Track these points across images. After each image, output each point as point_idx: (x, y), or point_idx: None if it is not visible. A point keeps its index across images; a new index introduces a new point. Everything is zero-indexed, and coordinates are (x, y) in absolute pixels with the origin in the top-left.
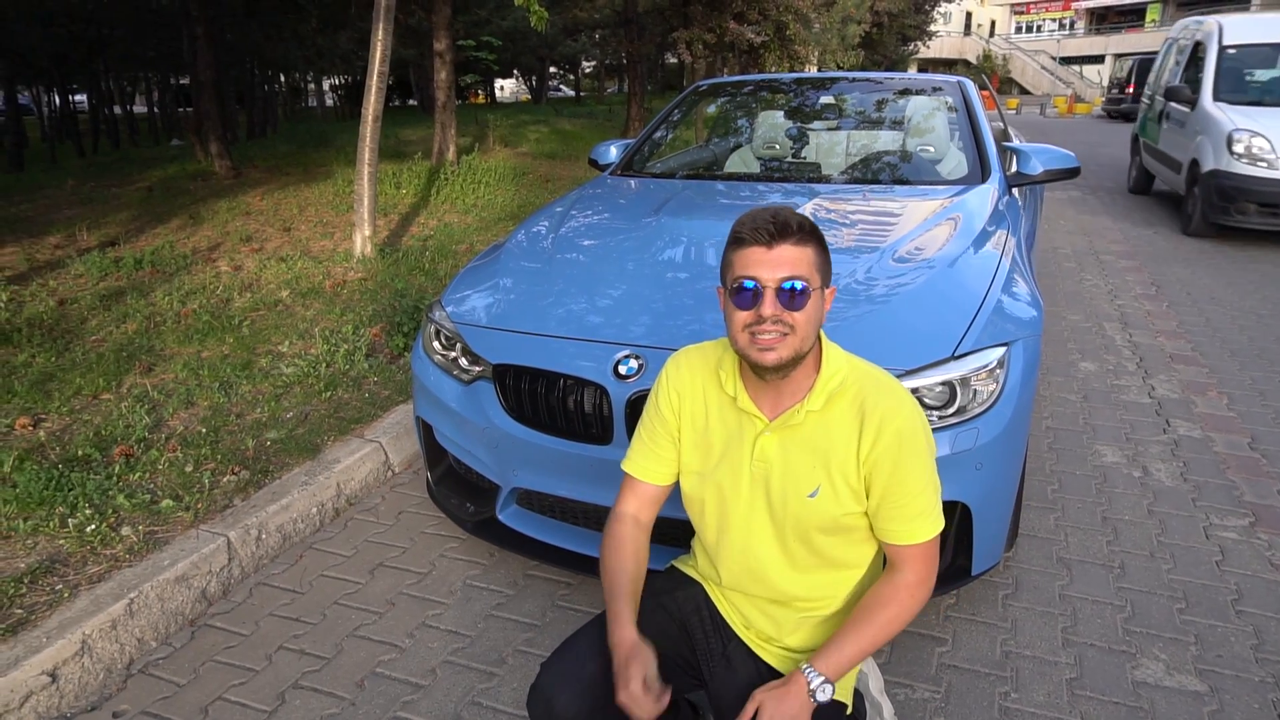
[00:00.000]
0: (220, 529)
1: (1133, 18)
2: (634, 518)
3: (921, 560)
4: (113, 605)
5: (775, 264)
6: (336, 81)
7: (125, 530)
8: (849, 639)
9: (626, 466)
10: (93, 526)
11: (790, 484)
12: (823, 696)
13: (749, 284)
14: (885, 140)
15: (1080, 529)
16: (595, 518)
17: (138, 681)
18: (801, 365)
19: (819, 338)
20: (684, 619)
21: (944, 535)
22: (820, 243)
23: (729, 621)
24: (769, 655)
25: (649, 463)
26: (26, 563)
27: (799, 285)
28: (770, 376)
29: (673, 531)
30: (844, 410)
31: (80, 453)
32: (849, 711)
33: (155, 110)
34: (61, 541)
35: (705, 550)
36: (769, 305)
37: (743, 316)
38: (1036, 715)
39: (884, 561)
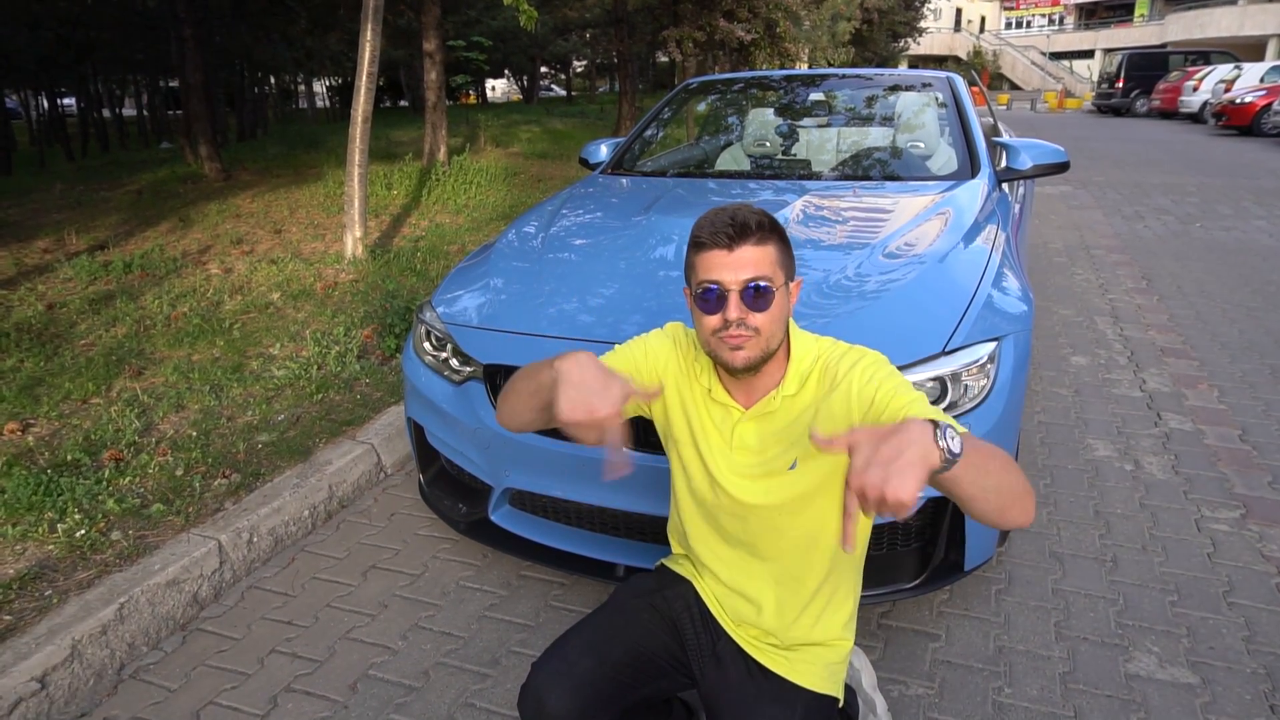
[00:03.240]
0: (211, 532)
1: (1121, 12)
2: None
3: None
4: (102, 610)
5: (737, 266)
6: (329, 83)
7: (115, 535)
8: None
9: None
10: (82, 531)
11: (771, 463)
12: (953, 445)
13: (712, 288)
14: (875, 136)
15: (1072, 523)
16: (588, 518)
17: (128, 687)
18: (773, 359)
19: (788, 329)
20: (674, 617)
21: (936, 531)
22: (781, 238)
23: (718, 618)
24: (758, 652)
25: (624, 359)
26: (15, 568)
27: (762, 285)
28: (741, 375)
29: (662, 529)
30: (815, 384)
31: (69, 457)
32: (841, 705)
33: (144, 113)
34: (50, 547)
35: (682, 529)
36: (734, 309)
37: (710, 321)
38: (1030, 710)
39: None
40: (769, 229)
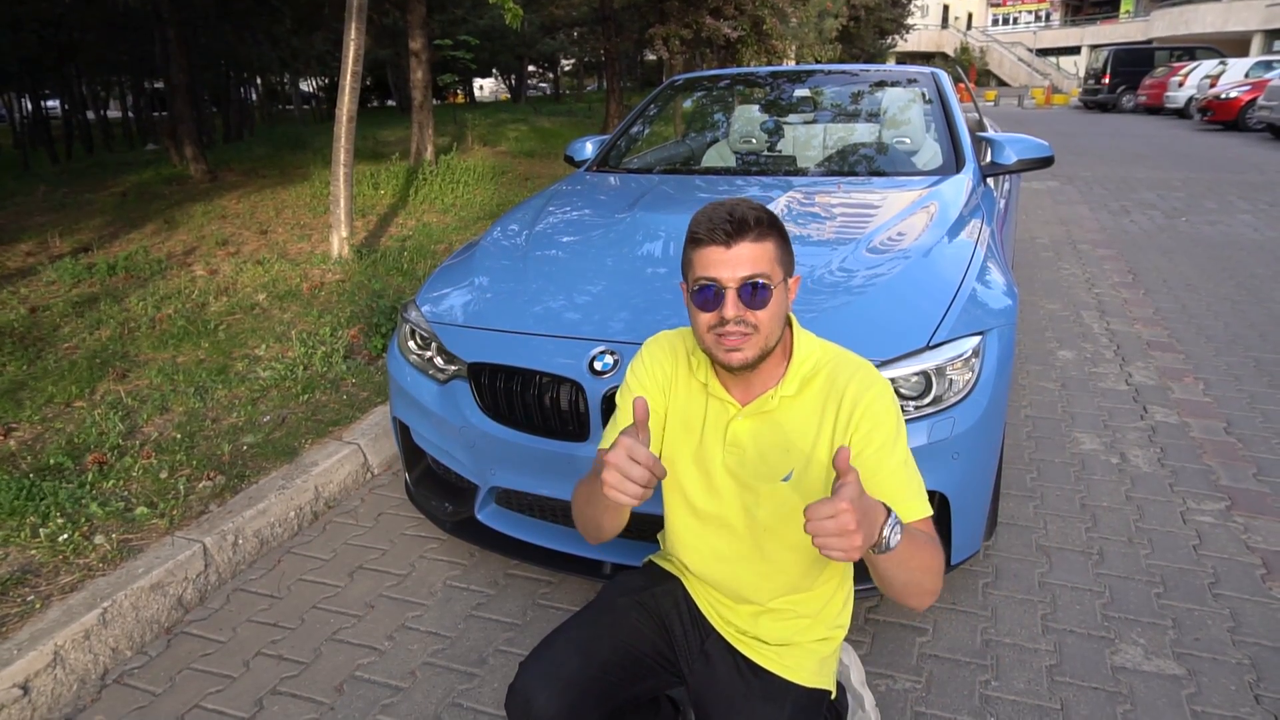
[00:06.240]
0: (196, 535)
1: (1107, 9)
2: None
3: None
4: (86, 615)
5: (735, 263)
6: (317, 83)
7: (98, 539)
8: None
9: (605, 446)
10: (65, 536)
11: (764, 469)
12: (891, 540)
13: (709, 285)
14: (860, 132)
15: (1059, 516)
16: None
17: (112, 692)
18: (771, 355)
19: (790, 324)
20: (662, 615)
21: None
22: (780, 234)
23: (706, 615)
24: (747, 648)
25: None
26: None
27: (760, 283)
28: (738, 374)
29: (649, 527)
30: (816, 393)
31: (52, 461)
32: (834, 697)
33: (129, 115)
34: (33, 552)
35: (676, 538)
36: (731, 306)
37: (706, 318)
38: (1016, 703)
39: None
40: (768, 225)
